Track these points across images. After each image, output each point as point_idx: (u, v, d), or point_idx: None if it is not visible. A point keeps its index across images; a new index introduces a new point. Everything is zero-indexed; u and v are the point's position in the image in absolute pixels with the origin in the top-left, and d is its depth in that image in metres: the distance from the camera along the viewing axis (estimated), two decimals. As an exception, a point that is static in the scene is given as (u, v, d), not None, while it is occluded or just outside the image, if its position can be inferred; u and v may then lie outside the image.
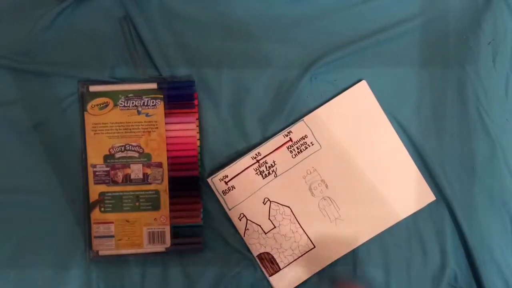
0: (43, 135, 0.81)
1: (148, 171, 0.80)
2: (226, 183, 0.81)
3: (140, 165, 0.80)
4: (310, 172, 0.82)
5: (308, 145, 0.82)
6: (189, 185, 0.81)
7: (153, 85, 0.81)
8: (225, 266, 0.82)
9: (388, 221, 0.81)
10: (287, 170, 0.82)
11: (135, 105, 0.80)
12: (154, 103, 0.80)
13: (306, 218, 0.82)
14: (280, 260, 0.82)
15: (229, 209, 0.81)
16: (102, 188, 0.80)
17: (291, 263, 0.82)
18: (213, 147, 0.82)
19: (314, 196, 0.82)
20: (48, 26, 0.81)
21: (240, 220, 0.81)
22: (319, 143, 0.82)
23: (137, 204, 0.80)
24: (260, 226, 0.81)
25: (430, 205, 0.83)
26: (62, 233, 0.81)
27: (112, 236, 0.80)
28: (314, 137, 0.82)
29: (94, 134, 0.80)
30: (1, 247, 0.81)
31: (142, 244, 0.81)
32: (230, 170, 0.81)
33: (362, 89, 0.83)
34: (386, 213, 0.81)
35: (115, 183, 0.80)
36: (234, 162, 0.81)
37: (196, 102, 0.81)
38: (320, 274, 0.82)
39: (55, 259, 0.81)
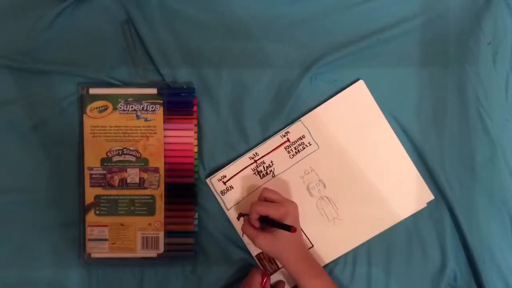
0: (42, 135, 0.82)
1: (145, 175, 0.81)
2: (224, 183, 0.81)
3: (137, 170, 0.81)
4: (308, 172, 0.82)
5: (305, 145, 0.82)
6: (185, 191, 0.81)
7: (153, 90, 0.81)
8: (224, 266, 0.82)
9: (388, 221, 0.81)
10: (284, 170, 0.82)
11: (134, 110, 0.80)
12: (153, 108, 0.80)
13: (304, 218, 0.81)
14: (279, 260, 0.82)
15: (228, 209, 0.81)
16: (98, 191, 0.80)
17: (290, 263, 0.82)
18: (212, 147, 0.82)
19: (312, 196, 0.82)
20: (48, 26, 0.81)
21: (238, 220, 0.81)
22: (316, 143, 0.82)
23: (132, 208, 0.81)
24: (258, 226, 0.81)
25: (430, 205, 0.83)
26: (59, 234, 0.82)
27: (106, 240, 0.81)
28: (312, 137, 0.82)
29: (92, 136, 0.80)
30: (0, 247, 0.82)
31: (136, 249, 0.81)
32: (228, 170, 0.81)
33: (360, 88, 0.83)
34: (386, 213, 0.80)
35: (111, 186, 0.80)
36: (232, 163, 0.81)
37: (195, 109, 0.82)
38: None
39: (53, 259, 0.82)
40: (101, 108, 0.80)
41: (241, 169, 0.81)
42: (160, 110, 0.80)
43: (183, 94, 0.81)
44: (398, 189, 0.82)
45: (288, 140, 0.82)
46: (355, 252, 0.82)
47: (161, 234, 0.81)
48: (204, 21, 0.83)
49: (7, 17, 0.82)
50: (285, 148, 0.82)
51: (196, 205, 0.82)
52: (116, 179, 0.80)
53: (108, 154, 0.80)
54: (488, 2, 0.83)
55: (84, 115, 0.80)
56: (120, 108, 0.80)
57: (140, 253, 0.81)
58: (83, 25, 0.82)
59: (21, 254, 0.81)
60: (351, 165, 0.82)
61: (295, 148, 0.82)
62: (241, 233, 0.81)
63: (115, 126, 0.80)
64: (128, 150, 0.80)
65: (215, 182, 0.81)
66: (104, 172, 0.80)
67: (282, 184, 0.82)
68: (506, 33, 0.83)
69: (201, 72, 0.82)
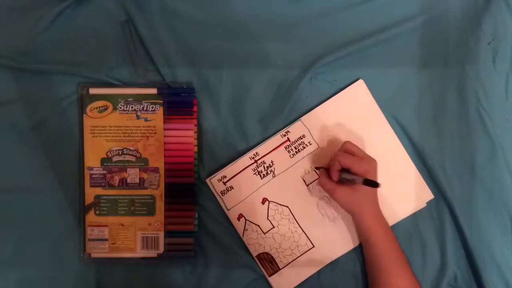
0: (43, 135, 0.82)
1: (145, 175, 0.81)
2: (224, 183, 0.81)
3: (137, 170, 0.81)
4: (308, 172, 0.82)
5: (306, 144, 0.82)
6: (185, 192, 0.81)
7: (153, 90, 0.81)
8: (224, 266, 0.82)
9: (388, 221, 0.81)
10: (285, 170, 0.82)
11: (134, 110, 0.80)
12: (153, 108, 0.80)
13: (305, 217, 0.82)
14: (280, 260, 0.82)
15: (228, 210, 0.81)
16: (98, 191, 0.81)
17: (290, 263, 0.82)
18: (213, 147, 0.82)
19: (312, 195, 0.82)
20: (48, 26, 0.81)
21: (238, 220, 0.81)
22: (316, 143, 0.82)
23: (132, 208, 0.81)
24: (259, 226, 0.81)
25: (430, 205, 0.83)
26: (59, 234, 0.82)
27: (106, 240, 0.81)
28: (312, 136, 0.82)
29: (92, 136, 0.80)
30: (1, 246, 0.82)
31: (136, 249, 0.81)
32: (228, 171, 0.81)
33: (360, 88, 0.83)
34: (386, 212, 0.80)
35: (111, 186, 0.80)
36: (232, 163, 0.81)
37: (195, 109, 0.82)
38: (319, 273, 0.82)
39: (53, 259, 0.82)
40: (101, 108, 0.80)
41: (241, 169, 0.81)
42: (160, 110, 0.80)
43: (183, 94, 0.81)
44: (398, 189, 0.82)
45: (288, 139, 0.82)
46: (355, 252, 0.82)
47: (161, 234, 0.81)
48: (204, 21, 0.83)
49: (7, 17, 0.82)
50: (285, 148, 0.82)
51: (196, 205, 0.82)
52: (116, 179, 0.80)
53: (108, 154, 0.80)
54: (488, 2, 0.83)
55: (84, 115, 0.80)
56: (120, 108, 0.80)
57: (140, 253, 0.81)
58: (83, 25, 0.82)
59: (21, 254, 0.81)
60: (351, 165, 0.82)
61: (295, 148, 0.82)
62: (242, 233, 0.81)
63: (115, 126, 0.80)
64: (128, 150, 0.80)
65: (215, 183, 0.81)
66: (104, 172, 0.80)
67: (282, 184, 0.82)
68: (506, 33, 0.84)
69: (201, 72, 0.82)
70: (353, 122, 0.83)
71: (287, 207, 0.82)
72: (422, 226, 0.83)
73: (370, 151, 0.80)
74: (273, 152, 0.82)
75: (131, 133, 0.80)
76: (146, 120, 0.80)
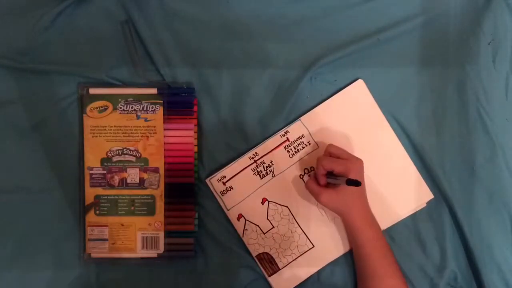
0: (43, 135, 0.82)
1: (145, 175, 0.81)
2: (224, 183, 0.81)
3: (137, 170, 0.81)
4: (308, 172, 0.82)
5: (305, 144, 0.82)
6: (185, 192, 0.81)
7: (153, 90, 0.81)
8: (224, 267, 0.82)
9: (388, 221, 0.81)
10: (284, 170, 0.82)
11: (134, 110, 0.80)
12: (153, 108, 0.80)
13: (304, 217, 0.82)
14: (279, 260, 0.82)
15: (228, 210, 0.81)
16: (98, 191, 0.81)
17: (290, 263, 0.82)
18: (212, 147, 0.82)
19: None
20: (48, 26, 0.81)
21: (238, 220, 0.81)
22: (316, 143, 0.82)
23: (132, 208, 0.81)
24: (258, 226, 0.81)
25: (429, 205, 0.83)
26: (60, 233, 0.82)
27: (106, 240, 0.81)
28: (311, 136, 0.82)
29: (92, 136, 0.80)
30: (1, 246, 0.82)
31: (136, 249, 0.81)
32: (228, 171, 0.81)
33: (359, 88, 0.83)
34: (385, 212, 0.80)
35: (111, 186, 0.81)
36: (232, 163, 0.81)
37: (195, 109, 0.82)
38: (319, 273, 0.82)
39: (53, 259, 0.82)
40: (101, 108, 0.80)
41: (241, 169, 0.81)
42: (160, 110, 0.80)
43: (183, 94, 0.81)
44: (397, 189, 0.82)
45: (288, 139, 0.82)
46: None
47: (161, 234, 0.81)
48: (204, 21, 0.83)
49: (7, 17, 0.82)
50: (285, 148, 0.82)
51: (196, 205, 0.82)
52: (116, 179, 0.80)
53: (108, 154, 0.80)
54: (488, 2, 0.83)
55: (84, 115, 0.80)
56: (120, 108, 0.80)
57: (140, 253, 0.81)
58: (83, 25, 0.82)
59: (21, 254, 0.82)
60: (351, 165, 0.82)
61: (295, 148, 0.82)
62: (242, 233, 0.81)
63: (115, 126, 0.80)
64: (128, 150, 0.80)
65: (214, 183, 0.81)
66: (104, 172, 0.80)
67: (282, 184, 0.82)
68: (506, 33, 0.83)
69: (201, 72, 0.82)
70: (353, 122, 0.82)
71: (287, 207, 0.82)
72: (422, 226, 0.83)
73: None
74: (272, 152, 0.82)
75: (131, 133, 0.80)
76: (146, 120, 0.80)
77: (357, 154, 0.78)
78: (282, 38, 0.83)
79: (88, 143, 0.80)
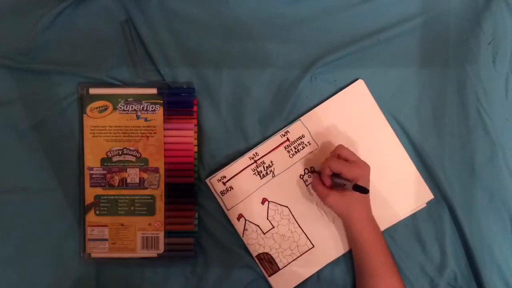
0: (43, 135, 0.82)
1: (145, 175, 0.81)
2: (224, 183, 0.81)
3: (137, 170, 0.81)
4: (308, 172, 0.82)
5: (305, 144, 0.82)
6: (185, 192, 0.81)
7: (153, 90, 0.81)
8: (224, 267, 0.82)
9: (388, 221, 0.81)
10: (284, 170, 0.82)
11: (135, 110, 0.80)
12: (153, 108, 0.80)
13: (304, 217, 0.82)
14: (279, 260, 0.82)
15: (228, 210, 0.81)
16: (98, 191, 0.81)
17: (290, 263, 0.82)
18: (213, 147, 0.82)
19: (312, 195, 0.82)
20: (48, 26, 0.81)
21: (238, 220, 0.81)
22: (316, 143, 0.82)
23: (132, 208, 0.81)
24: (258, 226, 0.81)
25: (429, 205, 0.83)
26: (60, 233, 0.82)
27: (106, 240, 0.81)
28: (311, 136, 0.82)
29: (92, 136, 0.80)
30: (1, 246, 0.82)
31: (136, 249, 0.81)
32: (228, 171, 0.81)
33: (360, 88, 0.83)
34: (385, 212, 0.80)
35: (111, 186, 0.81)
36: (232, 163, 0.81)
37: (195, 109, 0.82)
38: (319, 273, 0.82)
39: (53, 259, 0.82)
40: (101, 108, 0.80)
41: (241, 169, 0.81)
42: (160, 110, 0.80)
43: (183, 94, 0.81)
44: (397, 189, 0.82)
45: (288, 139, 0.82)
46: (355, 252, 0.82)
47: (161, 234, 0.81)
48: (204, 21, 0.83)
49: (7, 17, 0.81)
50: (285, 148, 0.82)
51: (196, 205, 0.82)
52: (116, 179, 0.80)
53: (108, 154, 0.80)
54: (488, 2, 0.83)
55: (84, 115, 0.80)
56: (120, 108, 0.80)
57: (140, 253, 0.81)
58: (83, 25, 0.82)
59: (21, 254, 0.82)
60: (351, 165, 0.82)
61: (295, 148, 0.82)
62: (242, 233, 0.81)
63: (115, 126, 0.80)
64: (128, 150, 0.80)
65: (214, 183, 0.81)
66: (104, 172, 0.80)
67: (282, 184, 0.82)
68: (506, 33, 0.83)
69: (201, 72, 0.82)
70: (353, 122, 0.82)
71: (287, 207, 0.82)
72: (422, 226, 0.83)
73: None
74: (272, 152, 0.82)
75: (131, 133, 0.80)
76: (146, 120, 0.80)
77: (356, 153, 0.78)
78: (282, 38, 0.83)
79: (88, 143, 0.80)
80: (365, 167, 0.76)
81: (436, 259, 0.83)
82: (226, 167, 0.81)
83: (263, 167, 0.82)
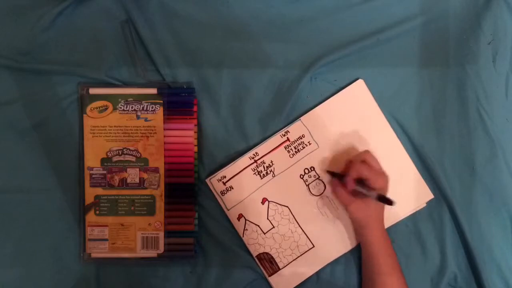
0: (43, 135, 0.82)
1: (145, 175, 0.81)
2: (224, 183, 0.81)
3: (137, 170, 0.81)
4: (308, 171, 0.82)
5: (305, 144, 0.82)
6: (185, 192, 0.81)
7: (153, 90, 0.81)
8: (224, 267, 0.82)
9: (388, 220, 0.81)
10: (285, 170, 0.82)
11: (135, 110, 0.80)
12: (153, 108, 0.80)
13: (305, 217, 0.82)
14: (280, 260, 0.82)
15: (228, 210, 0.81)
16: (98, 191, 0.81)
17: (290, 263, 0.82)
18: (212, 147, 0.82)
19: (312, 195, 0.82)
20: (48, 26, 0.81)
21: (238, 220, 0.81)
22: (316, 142, 0.82)
23: (132, 208, 0.81)
24: (258, 226, 0.81)
25: (429, 205, 0.83)
26: (59, 234, 0.82)
27: (106, 239, 0.81)
28: (312, 136, 0.82)
29: (92, 136, 0.80)
30: (1, 246, 0.82)
31: (135, 249, 0.81)
32: (228, 171, 0.81)
33: (360, 88, 0.83)
34: (386, 212, 0.80)
35: (111, 186, 0.81)
36: (232, 163, 0.81)
37: (195, 109, 0.82)
38: (319, 273, 0.82)
39: (53, 259, 0.82)
40: (101, 108, 0.80)
41: (241, 169, 0.81)
42: (160, 110, 0.80)
43: (183, 94, 0.81)
44: (398, 189, 0.82)
45: (288, 139, 0.82)
46: (355, 251, 0.82)
47: (161, 234, 0.81)
48: (204, 21, 0.83)
49: (7, 17, 0.81)
50: (285, 148, 0.82)
51: (196, 205, 0.82)
52: (116, 179, 0.80)
53: (108, 154, 0.80)
54: (488, 2, 0.83)
55: (84, 115, 0.80)
56: (120, 108, 0.80)
57: (140, 253, 0.81)
58: (83, 25, 0.82)
59: (21, 254, 0.82)
60: (351, 164, 0.82)
61: (295, 148, 0.82)
62: (242, 233, 0.81)
63: (115, 126, 0.80)
64: (128, 150, 0.80)
65: (214, 183, 0.81)
66: (104, 172, 0.80)
67: (282, 184, 0.82)
68: (506, 33, 0.83)
69: (201, 72, 0.82)
70: (353, 122, 0.82)
71: (287, 207, 0.82)
72: (422, 226, 0.83)
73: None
74: (272, 152, 0.82)
75: (131, 133, 0.80)
76: (146, 120, 0.80)
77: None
78: (282, 38, 0.83)
79: (88, 143, 0.80)
80: (387, 178, 0.76)
81: (436, 259, 0.83)
82: (226, 167, 0.81)
83: (263, 167, 0.82)
